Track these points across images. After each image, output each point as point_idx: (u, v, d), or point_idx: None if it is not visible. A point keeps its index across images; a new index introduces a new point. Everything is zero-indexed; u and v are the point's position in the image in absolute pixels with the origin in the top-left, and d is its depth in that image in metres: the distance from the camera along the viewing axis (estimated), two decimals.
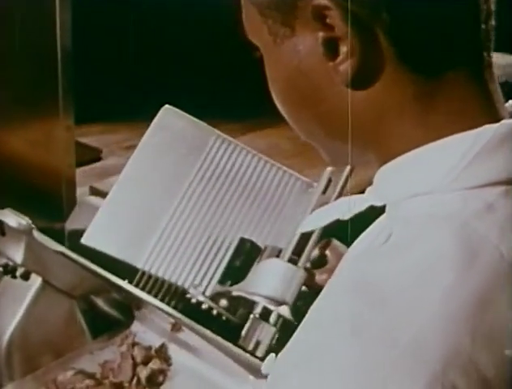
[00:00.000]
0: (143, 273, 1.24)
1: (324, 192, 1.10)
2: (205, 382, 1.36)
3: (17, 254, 1.28)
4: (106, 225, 1.26)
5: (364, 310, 0.45)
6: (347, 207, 0.60)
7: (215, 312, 1.09)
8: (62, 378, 1.33)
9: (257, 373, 1.02)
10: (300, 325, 0.51)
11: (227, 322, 1.15)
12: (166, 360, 1.42)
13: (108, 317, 1.57)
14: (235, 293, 1.10)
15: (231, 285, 1.14)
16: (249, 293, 1.08)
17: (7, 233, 1.28)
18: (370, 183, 0.58)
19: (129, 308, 1.55)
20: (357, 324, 0.45)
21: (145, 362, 1.39)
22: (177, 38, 2.63)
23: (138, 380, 1.35)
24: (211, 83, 2.59)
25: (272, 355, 0.94)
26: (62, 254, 1.19)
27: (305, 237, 1.12)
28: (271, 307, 1.02)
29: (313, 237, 1.12)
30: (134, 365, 1.37)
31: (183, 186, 1.24)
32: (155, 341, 1.46)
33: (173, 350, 1.45)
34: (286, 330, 1.06)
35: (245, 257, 1.20)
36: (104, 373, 1.38)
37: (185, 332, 1.39)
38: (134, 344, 1.41)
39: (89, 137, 2.23)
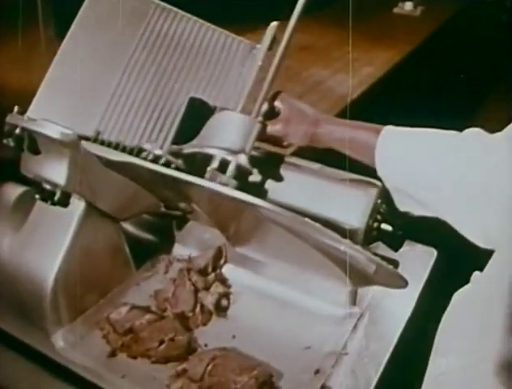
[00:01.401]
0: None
1: (270, 48, 1.05)
2: (269, 298, 1.22)
3: (58, 174, 1.05)
4: (50, 99, 1.06)
5: None
6: None
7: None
8: (117, 316, 1.14)
9: None
10: None
11: None
12: (224, 282, 1.26)
13: (145, 244, 1.38)
14: (189, 150, 1.02)
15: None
16: (205, 147, 1.00)
17: (44, 149, 1.04)
18: None
19: (168, 231, 1.36)
20: None
21: (206, 288, 1.22)
22: None
23: (202, 308, 1.18)
24: None
25: None
26: (120, 165, 0.98)
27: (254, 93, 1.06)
28: (229, 158, 0.96)
29: (263, 90, 1.03)
30: (195, 292, 1.20)
31: (126, 55, 1.10)
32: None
33: (228, 270, 1.29)
34: (244, 180, 0.98)
35: (196, 118, 1.10)
36: (160, 305, 1.19)
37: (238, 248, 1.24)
38: (189, 270, 1.23)
39: None
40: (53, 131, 0.99)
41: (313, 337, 1.13)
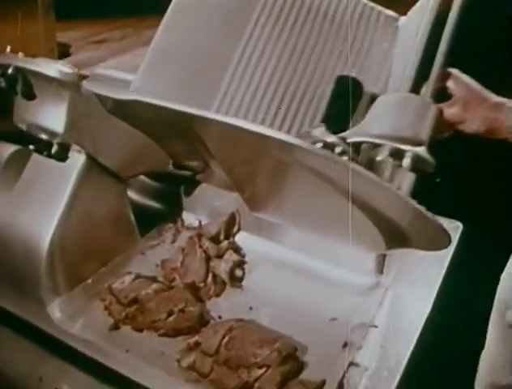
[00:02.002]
0: None
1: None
2: (288, 267, 1.10)
3: (55, 121, 0.93)
4: (158, 70, 0.94)
5: None
6: None
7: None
8: (120, 286, 1.02)
9: None
10: None
11: None
12: (237, 251, 1.14)
13: (150, 212, 1.26)
14: (355, 139, 0.82)
15: (335, 132, 0.86)
16: (374, 137, 0.82)
17: (40, 92, 0.92)
18: None
19: (176, 198, 1.24)
20: None
21: (218, 256, 1.10)
22: None
23: (215, 277, 1.06)
24: None
25: None
26: (126, 108, 0.86)
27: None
28: (405, 147, 0.78)
29: (436, 67, 0.88)
30: (207, 261, 1.08)
31: (248, 23, 0.95)
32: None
33: (242, 239, 1.17)
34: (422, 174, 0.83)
35: (345, 98, 0.94)
36: (168, 275, 1.07)
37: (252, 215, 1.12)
38: (200, 236, 1.11)
39: None
40: (50, 70, 0.87)
41: (339, 308, 1.01)
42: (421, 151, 0.79)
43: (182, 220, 1.24)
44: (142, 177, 1.31)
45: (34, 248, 0.96)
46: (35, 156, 1.00)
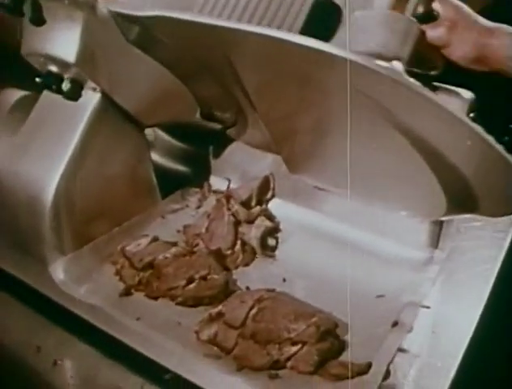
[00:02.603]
0: None
1: None
2: (329, 238, 0.96)
3: (67, 48, 0.80)
4: None
5: None
6: None
7: None
8: (134, 248, 0.89)
9: None
10: None
11: None
12: (271, 219, 1.00)
13: (175, 175, 1.13)
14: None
15: None
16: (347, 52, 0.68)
17: (51, 16, 0.79)
18: None
19: (203, 160, 1.11)
20: None
21: (249, 221, 0.96)
22: None
23: (244, 244, 0.92)
24: None
25: None
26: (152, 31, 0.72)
27: None
28: (383, 63, 0.67)
29: None
30: (236, 226, 0.94)
31: None
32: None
33: (277, 206, 1.03)
34: None
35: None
36: (190, 241, 0.93)
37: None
38: (228, 197, 0.97)
39: None
40: None
41: (387, 284, 0.87)
42: (397, 65, 0.71)
43: (209, 185, 1.10)
44: (166, 137, 1.19)
45: (37, 198, 0.83)
46: (43, 96, 0.87)
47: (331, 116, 0.79)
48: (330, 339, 0.73)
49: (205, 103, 0.94)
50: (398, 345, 0.75)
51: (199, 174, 1.14)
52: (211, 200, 1.05)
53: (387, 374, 0.73)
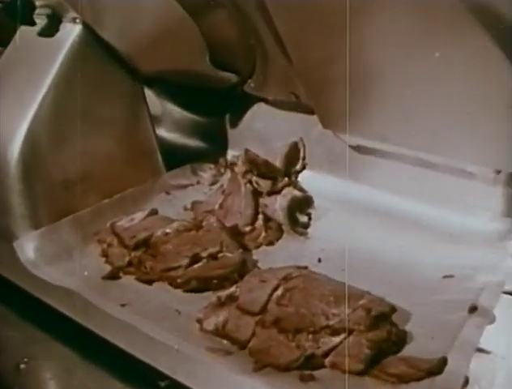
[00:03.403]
0: None
1: None
2: (376, 212, 0.76)
3: None
4: None
5: None
6: None
7: None
8: (127, 223, 0.69)
9: None
10: None
11: None
12: (301, 191, 0.79)
13: (185, 151, 0.94)
14: None
15: None
16: None
17: None
18: None
19: (219, 132, 0.91)
20: None
21: (273, 192, 0.76)
22: None
23: (267, 220, 0.71)
24: None
25: None
26: None
27: None
28: None
29: None
30: (255, 197, 0.73)
31: None
32: None
33: (309, 179, 0.83)
34: None
35: None
36: (199, 216, 0.73)
37: None
38: (248, 165, 0.77)
39: None
40: None
41: (455, 263, 0.65)
42: None
43: (226, 160, 0.90)
44: (175, 108, 1.00)
45: (2, 152, 0.64)
46: (20, 31, 0.69)
47: (377, 60, 0.60)
48: (385, 327, 0.52)
49: (217, 46, 0.75)
50: (479, 337, 0.53)
51: (215, 149, 0.95)
52: (228, 176, 0.85)
53: (467, 381, 0.51)
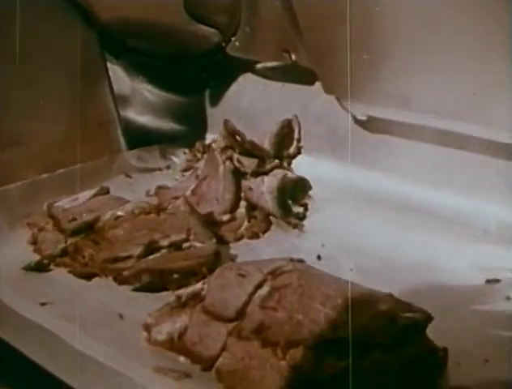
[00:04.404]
0: None
1: None
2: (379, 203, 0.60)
3: None
4: None
5: None
6: None
7: None
8: (67, 204, 0.53)
9: None
10: None
11: None
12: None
13: (158, 133, 0.78)
14: None
15: None
16: None
17: None
18: None
19: (197, 112, 0.76)
20: None
21: (258, 173, 0.59)
22: None
23: (250, 208, 0.55)
24: None
25: None
26: None
27: None
28: None
29: None
30: (237, 178, 0.57)
31: None
32: None
33: (306, 165, 0.67)
34: None
35: None
36: (164, 203, 0.56)
37: None
38: (233, 133, 0.60)
39: None
40: None
41: (495, 264, 0.49)
42: None
43: (204, 144, 0.74)
44: (146, 86, 0.84)
45: None
46: None
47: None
48: (418, 342, 0.34)
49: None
50: None
51: (191, 132, 0.78)
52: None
53: None
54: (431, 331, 0.38)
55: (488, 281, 0.48)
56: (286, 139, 0.69)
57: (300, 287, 0.40)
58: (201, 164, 0.70)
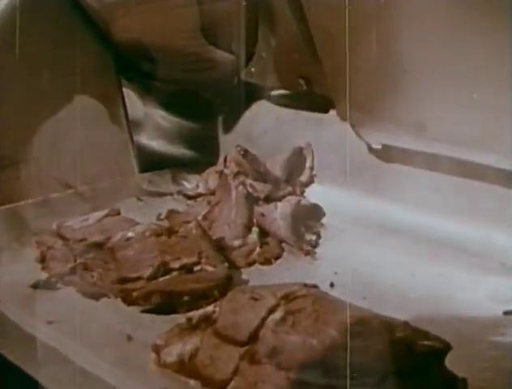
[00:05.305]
0: None
1: None
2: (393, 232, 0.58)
3: None
4: None
5: None
6: None
7: None
8: (77, 224, 0.53)
9: None
10: None
11: None
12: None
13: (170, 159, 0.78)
14: None
15: None
16: None
17: None
18: None
19: (209, 138, 0.75)
20: None
21: (271, 200, 0.59)
22: None
23: (263, 234, 0.54)
24: None
25: None
26: None
27: None
28: None
29: None
30: (249, 203, 0.57)
31: None
32: None
33: (317, 193, 0.66)
34: None
35: None
36: (176, 227, 0.55)
37: None
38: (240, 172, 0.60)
39: None
40: None
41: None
42: None
43: (216, 170, 0.73)
44: (159, 112, 0.84)
45: None
46: None
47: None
48: (437, 372, 0.33)
49: (211, 15, 0.60)
50: None
51: (204, 158, 0.78)
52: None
53: None
54: (448, 361, 0.37)
55: (506, 313, 0.47)
56: (297, 166, 0.68)
57: (315, 312, 0.39)
58: (211, 187, 0.70)
